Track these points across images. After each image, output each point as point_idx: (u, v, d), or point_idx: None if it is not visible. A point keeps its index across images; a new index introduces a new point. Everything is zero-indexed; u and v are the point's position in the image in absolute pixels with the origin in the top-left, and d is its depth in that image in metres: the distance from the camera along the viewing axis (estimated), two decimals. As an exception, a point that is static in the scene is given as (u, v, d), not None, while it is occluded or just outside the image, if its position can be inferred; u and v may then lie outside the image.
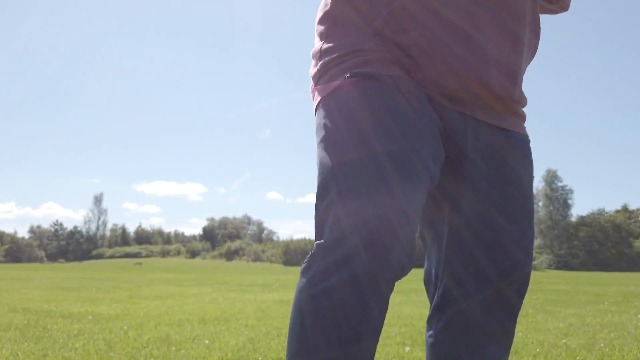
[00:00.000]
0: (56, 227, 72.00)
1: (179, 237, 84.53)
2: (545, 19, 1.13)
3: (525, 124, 1.10)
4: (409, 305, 6.73)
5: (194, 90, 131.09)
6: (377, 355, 3.23)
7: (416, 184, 0.81)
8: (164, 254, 62.60)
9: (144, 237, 79.16)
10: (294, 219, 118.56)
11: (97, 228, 71.85)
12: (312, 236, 0.90)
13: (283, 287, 10.47)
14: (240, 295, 8.23)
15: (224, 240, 66.95)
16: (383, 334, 4.11)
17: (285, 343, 3.73)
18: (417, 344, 3.67)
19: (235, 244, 59.62)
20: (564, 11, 1.20)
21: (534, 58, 1.10)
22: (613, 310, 6.92)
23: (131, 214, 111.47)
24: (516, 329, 4.45)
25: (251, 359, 3.06)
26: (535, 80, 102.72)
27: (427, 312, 1.12)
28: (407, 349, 3.45)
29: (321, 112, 0.90)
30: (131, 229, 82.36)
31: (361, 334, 0.78)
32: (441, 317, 1.04)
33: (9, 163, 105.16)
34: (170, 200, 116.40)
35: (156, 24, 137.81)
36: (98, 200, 73.63)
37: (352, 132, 0.82)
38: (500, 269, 0.96)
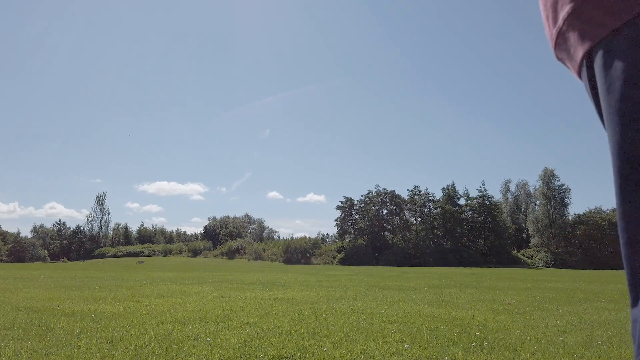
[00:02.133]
0: (59, 226, 71.99)
1: (181, 236, 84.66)
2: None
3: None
4: (407, 302, 6.73)
5: (195, 91, 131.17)
6: (376, 352, 3.26)
7: None
8: (166, 252, 62.54)
9: (146, 237, 79.29)
10: (294, 218, 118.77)
11: (100, 227, 71.85)
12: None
13: (283, 286, 10.51)
14: (241, 293, 8.27)
15: (225, 239, 67.07)
16: (382, 332, 4.14)
17: (286, 340, 3.78)
18: (416, 341, 3.69)
19: (236, 243, 59.52)
20: None
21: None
22: (610, 308, 6.95)
23: (133, 213, 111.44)
24: (514, 327, 4.48)
25: (252, 356, 3.10)
26: (533, 80, 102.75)
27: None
28: (406, 346, 3.48)
29: None
30: (133, 228, 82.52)
31: None
32: None
33: (12, 163, 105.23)
34: (172, 200, 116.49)
35: (158, 25, 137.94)
36: (101, 200, 73.65)
37: None
38: None
